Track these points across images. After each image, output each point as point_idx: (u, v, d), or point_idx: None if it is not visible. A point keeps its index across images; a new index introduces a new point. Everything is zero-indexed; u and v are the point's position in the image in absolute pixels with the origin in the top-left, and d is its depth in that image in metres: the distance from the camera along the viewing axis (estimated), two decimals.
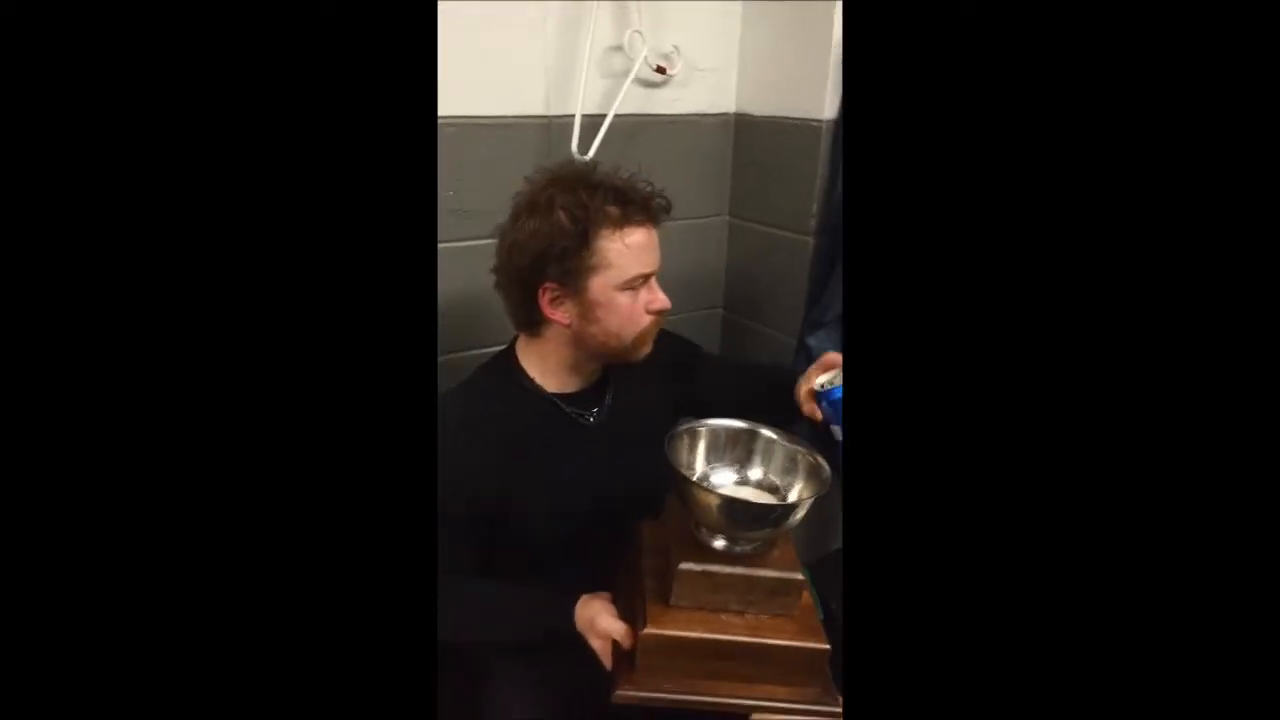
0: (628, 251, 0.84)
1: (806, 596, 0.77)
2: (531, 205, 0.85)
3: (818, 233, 1.21)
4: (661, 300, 0.88)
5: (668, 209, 0.89)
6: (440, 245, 1.14)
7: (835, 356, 0.88)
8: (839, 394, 0.85)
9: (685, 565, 0.74)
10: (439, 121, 1.06)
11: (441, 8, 0.99)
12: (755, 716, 0.88)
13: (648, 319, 0.88)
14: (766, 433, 0.84)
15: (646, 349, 0.91)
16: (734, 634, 0.74)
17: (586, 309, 0.85)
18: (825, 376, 0.87)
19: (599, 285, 0.84)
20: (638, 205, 0.85)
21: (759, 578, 0.74)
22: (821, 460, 0.79)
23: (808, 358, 1.27)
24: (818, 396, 0.87)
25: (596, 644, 0.79)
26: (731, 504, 0.72)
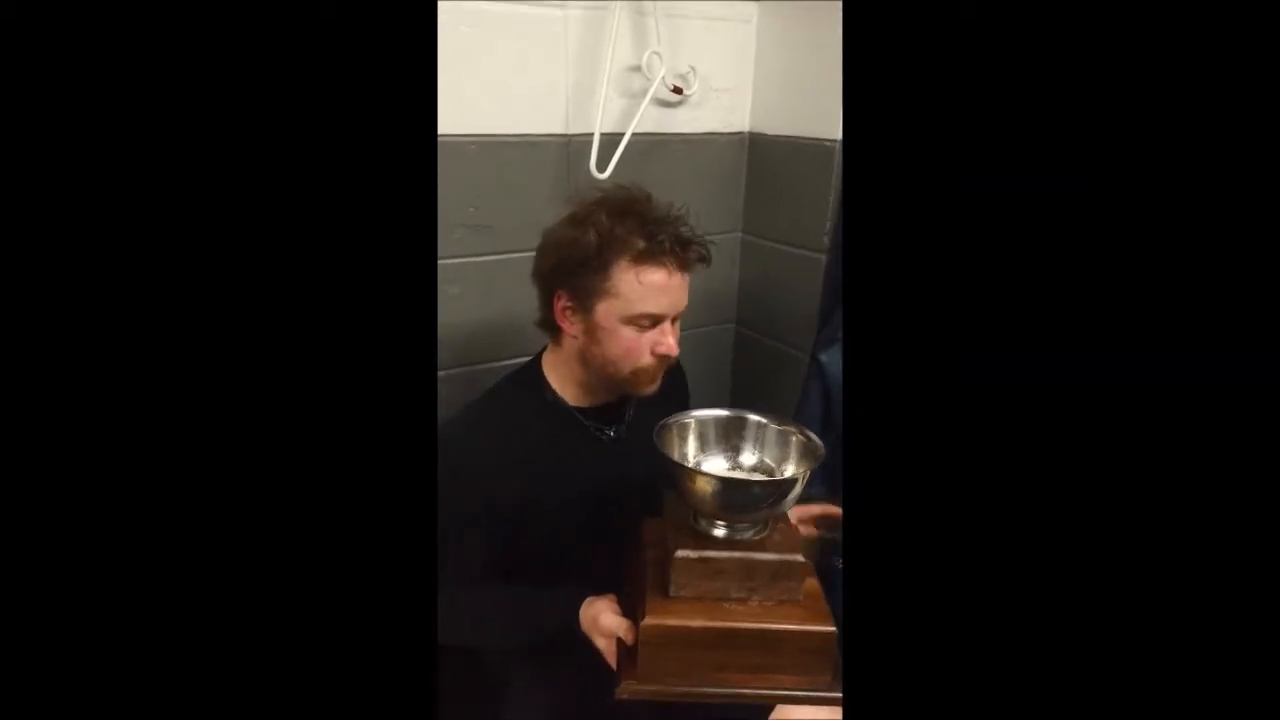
0: (639, 287, 0.83)
1: (812, 582, 0.76)
2: (573, 216, 0.86)
3: (830, 250, 1.23)
4: (668, 346, 0.87)
5: (706, 259, 0.88)
6: (460, 260, 1.17)
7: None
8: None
9: (682, 553, 0.73)
10: (462, 140, 1.11)
11: (463, 29, 1.05)
12: (780, 707, 0.87)
13: (650, 359, 0.88)
14: (754, 418, 0.84)
15: (651, 387, 0.91)
16: (736, 621, 0.72)
17: (591, 329, 0.87)
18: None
19: (604, 310, 0.85)
20: (666, 246, 0.83)
21: (758, 561, 0.73)
22: (814, 437, 0.78)
23: (820, 374, 1.27)
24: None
25: (601, 643, 0.78)
26: (726, 485, 0.72)
